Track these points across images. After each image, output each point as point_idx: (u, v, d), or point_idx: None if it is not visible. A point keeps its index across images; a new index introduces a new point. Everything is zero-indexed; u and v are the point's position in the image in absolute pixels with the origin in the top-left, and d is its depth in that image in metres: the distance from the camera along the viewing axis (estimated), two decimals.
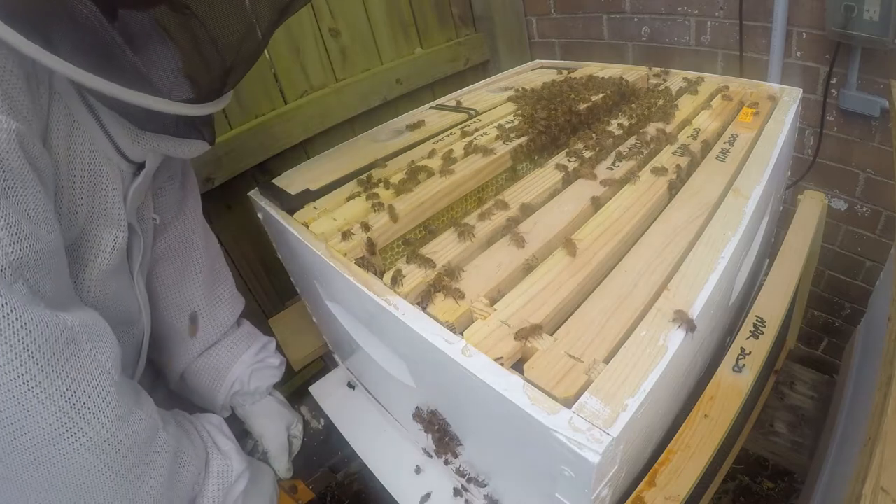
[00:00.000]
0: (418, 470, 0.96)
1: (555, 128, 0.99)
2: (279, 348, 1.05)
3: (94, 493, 0.52)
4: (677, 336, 0.56)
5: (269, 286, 1.62)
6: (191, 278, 0.90)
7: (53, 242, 0.50)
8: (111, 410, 0.51)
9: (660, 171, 0.84)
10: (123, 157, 0.64)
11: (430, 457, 0.92)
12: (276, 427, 0.98)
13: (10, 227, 0.44)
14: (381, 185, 0.90)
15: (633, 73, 1.24)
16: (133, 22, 0.62)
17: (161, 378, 0.98)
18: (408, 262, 0.72)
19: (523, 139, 0.98)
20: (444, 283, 0.67)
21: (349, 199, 0.89)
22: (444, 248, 0.75)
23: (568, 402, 0.51)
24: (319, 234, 0.81)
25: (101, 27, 0.51)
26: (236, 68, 0.63)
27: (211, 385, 0.93)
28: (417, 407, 0.81)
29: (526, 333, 0.58)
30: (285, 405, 1.03)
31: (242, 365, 0.94)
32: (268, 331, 1.37)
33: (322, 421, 1.16)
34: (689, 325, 0.57)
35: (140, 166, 0.68)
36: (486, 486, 0.81)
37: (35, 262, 0.46)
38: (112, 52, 0.53)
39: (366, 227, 0.80)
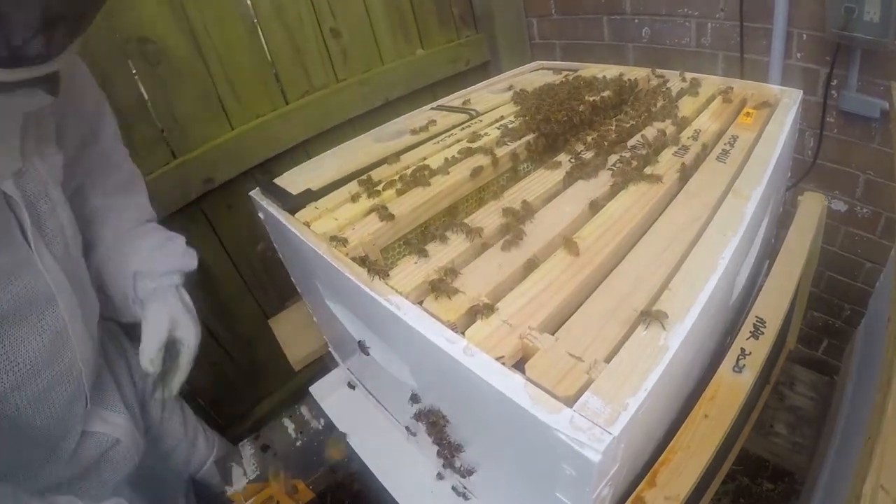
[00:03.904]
0: (418, 470, 0.96)
1: (556, 129, 1.00)
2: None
3: None
4: (678, 336, 0.57)
5: (269, 286, 1.62)
6: (113, 186, 0.97)
7: None
8: None
9: (660, 172, 0.84)
10: None
11: (430, 456, 0.92)
12: (159, 315, 0.93)
13: None
14: (383, 185, 0.90)
15: (634, 75, 1.25)
16: None
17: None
18: (409, 262, 0.72)
19: (524, 140, 0.98)
20: (445, 283, 0.67)
21: (350, 199, 0.89)
22: (445, 248, 0.75)
23: (569, 401, 0.51)
24: (321, 234, 0.81)
25: None
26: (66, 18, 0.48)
27: (116, 270, 0.94)
28: (417, 407, 0.81)
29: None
30: (187, 306, 0.99)
31: (146, 245, 0.97)
32: (267, 330, 1.38)
33: (322, 421, 1.16)
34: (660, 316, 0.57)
35: None
36: (472, 472, 0.81)
37: None
38: None
39: (367, 227, 0.80)
